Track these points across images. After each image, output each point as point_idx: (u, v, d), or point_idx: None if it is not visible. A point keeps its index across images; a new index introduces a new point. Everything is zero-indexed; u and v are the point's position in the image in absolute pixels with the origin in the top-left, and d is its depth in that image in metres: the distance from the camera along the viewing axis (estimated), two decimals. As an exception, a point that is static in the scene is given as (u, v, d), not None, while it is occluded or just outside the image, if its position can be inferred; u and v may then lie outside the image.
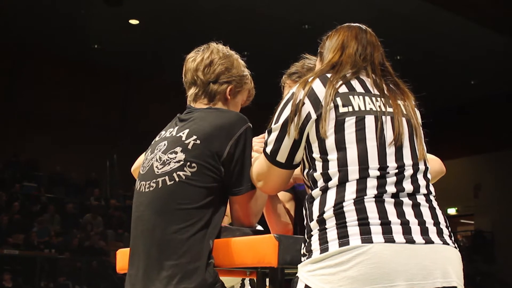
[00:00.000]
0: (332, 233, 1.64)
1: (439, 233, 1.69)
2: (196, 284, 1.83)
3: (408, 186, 1.71)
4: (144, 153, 2.18)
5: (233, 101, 2.17)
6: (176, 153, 1.96)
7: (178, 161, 1.94)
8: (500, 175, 17.39)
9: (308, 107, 1.76)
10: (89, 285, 12.34)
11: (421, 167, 1.77)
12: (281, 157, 1.81)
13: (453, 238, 1.74)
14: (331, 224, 1.66)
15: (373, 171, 1.69)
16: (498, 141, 17.24)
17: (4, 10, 13.47)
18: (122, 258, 2.30)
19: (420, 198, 1.72)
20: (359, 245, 1.60)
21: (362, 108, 1.76)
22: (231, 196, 1.99)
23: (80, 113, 16.43)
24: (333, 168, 1.70)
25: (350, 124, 1.73)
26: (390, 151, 1.73)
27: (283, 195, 2.43)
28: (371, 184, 1.68)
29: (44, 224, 13.49)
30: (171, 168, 1.95)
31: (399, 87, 1.87)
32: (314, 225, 1.70)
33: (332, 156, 1.71)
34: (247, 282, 3.34)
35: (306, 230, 1.74)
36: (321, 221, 1.68)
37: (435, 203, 1.76)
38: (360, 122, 1.73)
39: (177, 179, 1.92)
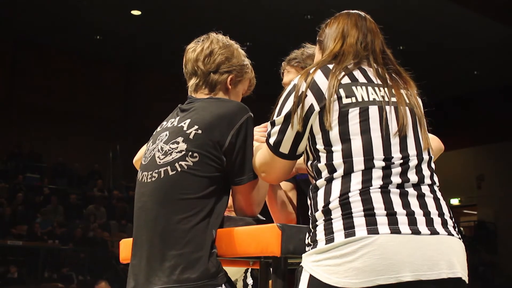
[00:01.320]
0: (337, 224, 1.64)
1: (444, 224, 1.69)
2: (199, 274, 1.83)
3: (412, 176, 1.71)
4: (146, 143, 2.18)
5: (234, 91, 2.16)
6: (177, 143, 1.96)
7: (180, 151, 1.94)
8: (503, 166, 17.39)
9: (311, 99, 1.75)
10: (92, 275, 12.36)
11: (425, 157, 1.77)
12: (284, 148, 1.81)
13: (457, 229, 1.75)
14: (336, 214, 1.65)
15: (378, 162, 1.69)
16: (501, 132, 17.22)
17: (4, 1, 13.44)
18: (125, 248, 2.30)
19: (425, 189, 1.72)
20: (365, 236, 1.60)
21: (366, 99, 1.75)
22: (233, 186, 1.99)
23: (83, 105, 16.43)
24: (337, 159, 1.70)
25: (353, 115, 1.72)
26: (395, 142, 1.72)
27: (285, 185, 2.43)
28: (377, 175, 1.67)
29: (47, 215, 13.54)
30: (173, 158, 1.95)
31: (401, 76, 1.86)
32: (319, 215, 1.69)
33: (337, 147, 1.71)
34: (249, 274, 3.35)
35: (310, 220, 1.74)
36: (327, 211, 1.67)
37: (439, 194, 1.76)
38: (364, 113, 1.73)
39: (179, 169, 1.93)
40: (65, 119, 16.01)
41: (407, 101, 1.80)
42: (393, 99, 1.77)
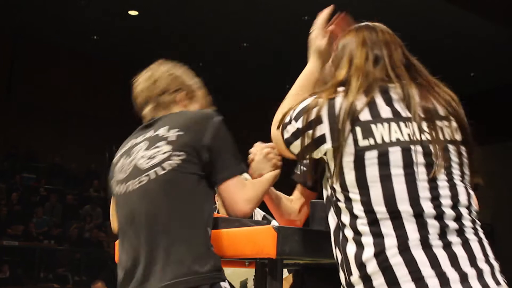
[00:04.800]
0: None
1: (492, 272, 1.54)
2: (208, 267, 1.84)
3: (451, 223, 1.53)
4: (111, 170, 2.20)
5: (192, 107, 2.20)
6: (160, 147, 1.97)
7: (165, 153, 1.95)
8: (500, 167, 17.41)
9: (324, 128, 1.60)
10: (88, 276, 12.35)
11: (463, 201, 1.58)
12: (295, 149, 1.71)
13: (503, 276, 1.58)
14: (379, 281, 1.48)
15: (405, 211, 1.50)
16: (498, 133, 17.24)
17: (2, 0, 13.42)
18: (121, 248, 2.29)
19: (468, 232, 1.55)
20: None
21: (386, 140, 1.55)
22: (217, 186, 1.99)
23: (80, 105, 16.41)
24: (357, 206, 1.54)
25: (371, 159, 1.54)
26: (423, 187, 1.53)
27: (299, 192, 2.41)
28: (411, 227, 1.49)
29: (43, 215, 13.50)
30: (159, 159, 1.95)
31: (437, 90, 1.71)
32: (356, 281, 1.53)
33: (354, 195, 1.55)
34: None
35: (342, 273, 1.58)
36: (365, 278, 1.51)
37: (482, 234, 1.60)
38: (383, 157, 1.53)
39: (168, 168, 1.93)
40: (62, 119, 15.98)
41: (444, 136, 1.60)
42: (424, 137, 1.56)
